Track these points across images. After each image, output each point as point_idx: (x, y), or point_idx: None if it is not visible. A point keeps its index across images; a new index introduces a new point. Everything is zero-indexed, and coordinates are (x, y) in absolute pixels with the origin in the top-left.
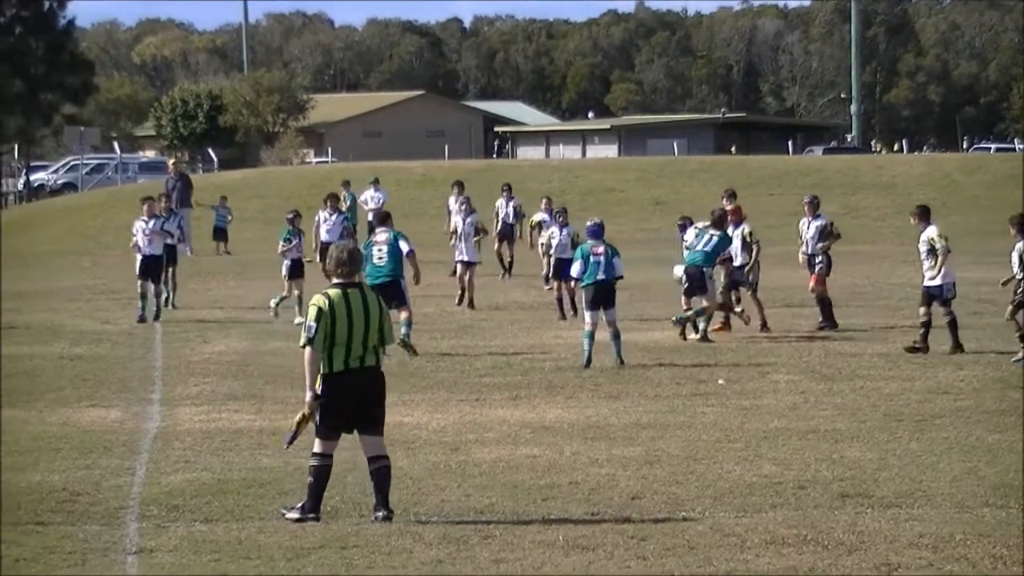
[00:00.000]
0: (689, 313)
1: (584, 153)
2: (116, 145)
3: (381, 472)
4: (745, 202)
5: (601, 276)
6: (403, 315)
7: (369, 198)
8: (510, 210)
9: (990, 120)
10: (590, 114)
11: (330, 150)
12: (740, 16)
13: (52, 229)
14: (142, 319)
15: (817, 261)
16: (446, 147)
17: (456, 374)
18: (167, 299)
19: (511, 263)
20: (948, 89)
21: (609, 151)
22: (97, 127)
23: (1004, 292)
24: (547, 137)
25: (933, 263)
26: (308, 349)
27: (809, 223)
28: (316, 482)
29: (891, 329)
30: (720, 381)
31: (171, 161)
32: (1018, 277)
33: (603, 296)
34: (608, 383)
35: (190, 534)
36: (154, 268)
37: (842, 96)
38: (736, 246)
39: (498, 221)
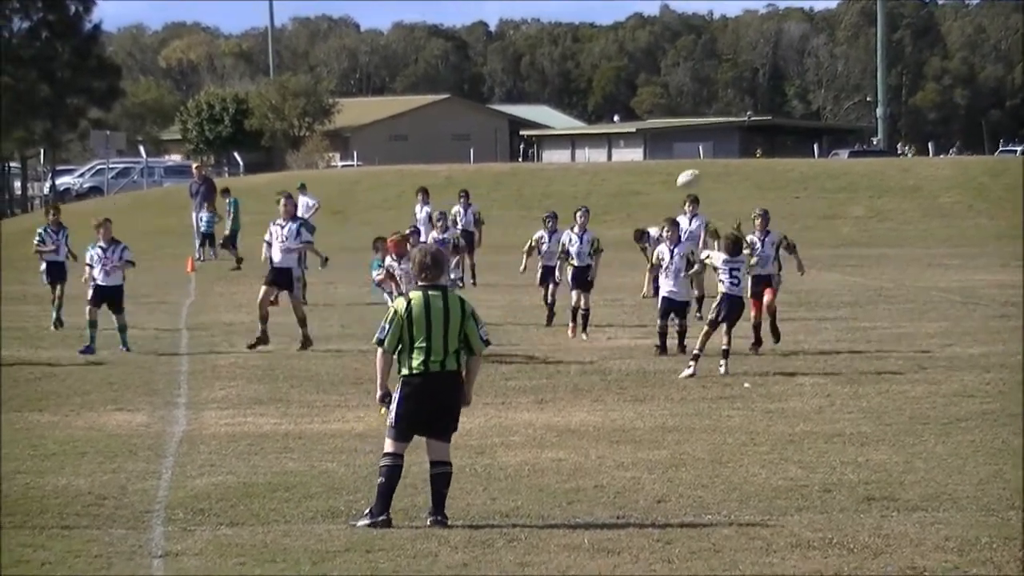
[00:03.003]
0: None
1: (610, 156)
2: (142, 149)
3: (441, 478)
4: (771, 205)
5: None
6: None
7: (303, 205)
8: (470, 217)
9: (1016, 123)
10: (616, 117)
11: (356, 154)
12: (766, 19)
13: (78, 233)
14: (89, 350)
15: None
16: (471, 151)
17: (481, 377)
18: (56, 318)
19: (473, 269)
20: (974, 92)
21: (635, 154)
22: (123, 131)
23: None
24: (573, 141)
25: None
26: (379, 349)
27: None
28: (387, 483)
29: (917, 332)
30: (745, 384)
31: (195, 165)
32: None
33: None
34: (634, 386)
35: (216, 538)
36: (113, 297)
37: (868, 99)
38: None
39: (458, 228)
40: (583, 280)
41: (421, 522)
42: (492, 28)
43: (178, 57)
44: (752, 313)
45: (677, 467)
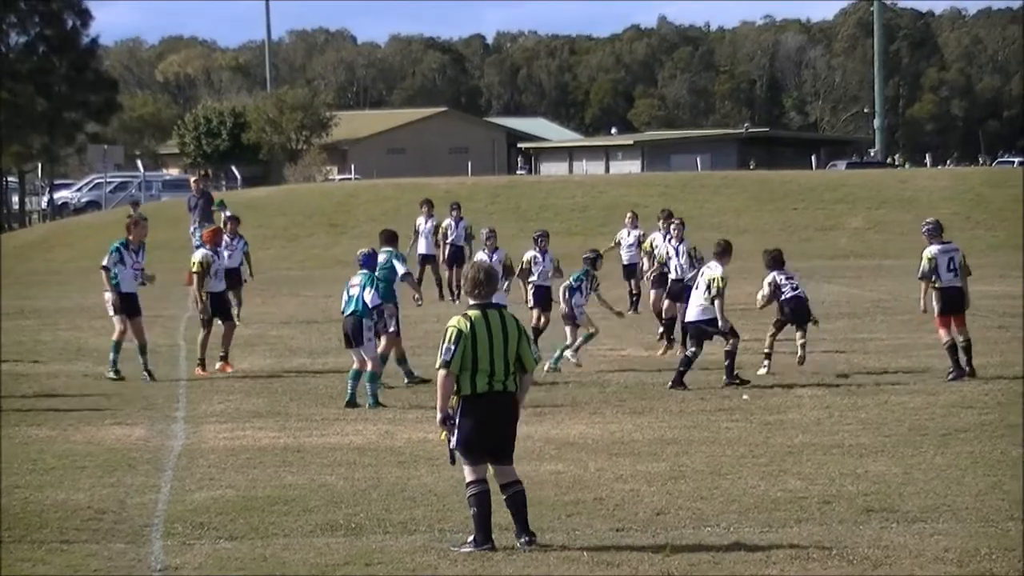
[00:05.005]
0: None
1: (607, 169)
2: (139, 163)
3: (517, 498)
4: (769, 216)
5: (351, 309)
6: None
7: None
8: (461, 231)
9: (1014, 134)
10: (613, 130)
11: (353, 167)
12: (763, 31)
13: (76, 247)
14: None
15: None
16: (469, 164)
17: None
18: None
19: (460, 287)
20: (971, 103)
21: (632, 166)
22: (120, 145)
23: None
24: (570, 153)
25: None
26: (442, 371)
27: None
28: (479, 511)
29: (915, 344)
30: (744, 396)
31: (193, 178)
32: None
33: (351, 332)
34: (632, 399)
35: (215, 551)
36: None
37: (865, 110)
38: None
39: (446, 244)
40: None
41: (420, 535)
42: (489, 40)
43: (175, 71)
44: (942, 332)
45: (676, 479)
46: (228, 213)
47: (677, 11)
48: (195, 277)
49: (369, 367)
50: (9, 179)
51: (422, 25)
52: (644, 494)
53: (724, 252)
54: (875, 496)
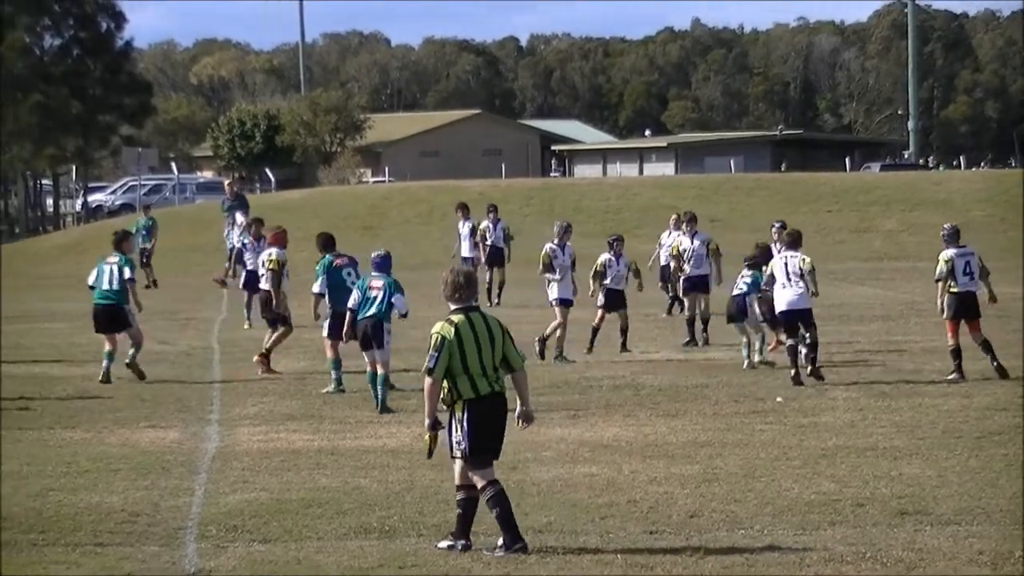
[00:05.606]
0: None
1: (641, 171)
2: (174, 166)
3: (502, 495)
4: (803, 218)
5: (372, 311)
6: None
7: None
8: (499, 233)
9: None
10: (647, 132)
11: (387, 169)
12: (796, 33)
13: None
14: None
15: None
16: (503, 166)
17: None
18: None
19: (501, 288)
20: (1005, 105)
21: (666, 169)
22: (155, 148)
23: None
24: (604, 155)
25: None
26: (428, 378)
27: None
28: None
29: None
30: (778, 399)
31: (227, 181)
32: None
33: (373, 334)
34: (666, 401)
35: (249, 554)
36: None
37: (899, 112)
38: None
39: (486, 245)
40: None
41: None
42: (523, 43)
43: (209, 73)
44: (950, 335)
45: (710, 482)
46: (240, 215)
47: (710, 13)
48: (271, 275)
49: (380, 371)
50: (43, 182)
51: (456, 27)
52: (678, 496)
53: (796, 241)
54: (909, 499)
